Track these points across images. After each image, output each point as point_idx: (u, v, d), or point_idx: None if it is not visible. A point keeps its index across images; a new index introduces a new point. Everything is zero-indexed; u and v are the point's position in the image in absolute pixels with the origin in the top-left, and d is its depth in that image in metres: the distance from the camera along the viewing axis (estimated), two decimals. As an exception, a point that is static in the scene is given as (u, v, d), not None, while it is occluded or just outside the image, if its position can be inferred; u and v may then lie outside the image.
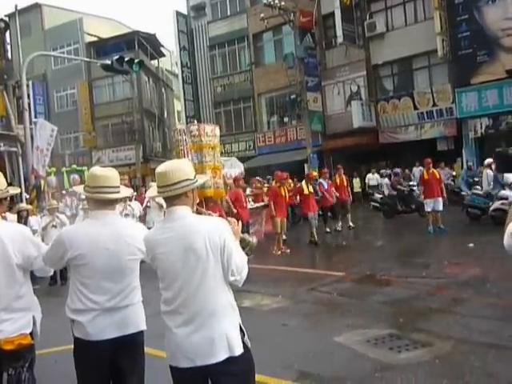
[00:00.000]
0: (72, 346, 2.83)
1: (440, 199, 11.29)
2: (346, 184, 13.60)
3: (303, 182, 12.06)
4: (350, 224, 13.48)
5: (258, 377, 3.67)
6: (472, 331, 4.84)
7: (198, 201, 2.63)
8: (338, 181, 13.40)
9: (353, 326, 5.26)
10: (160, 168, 2.48)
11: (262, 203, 12.93)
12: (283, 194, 11.12)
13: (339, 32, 20.57)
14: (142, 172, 27.78)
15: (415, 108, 20.17)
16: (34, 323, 2.97)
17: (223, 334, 2.31)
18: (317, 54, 22.81)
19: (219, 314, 2.32)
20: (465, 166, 17.40)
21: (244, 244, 2.59)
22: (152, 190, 2.64)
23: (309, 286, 7.34)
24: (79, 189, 3.04)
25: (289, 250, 10.71)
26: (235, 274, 2.35)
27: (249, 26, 25.56)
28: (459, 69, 18.69)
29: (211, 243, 2.30)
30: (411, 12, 20.63)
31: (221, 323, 2.32)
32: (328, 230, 12.96)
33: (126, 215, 10.22)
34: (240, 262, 2.37)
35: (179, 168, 2.45)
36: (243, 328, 2.42)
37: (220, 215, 5.15)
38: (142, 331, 2.85)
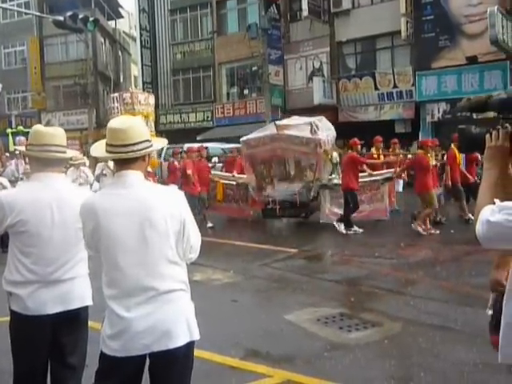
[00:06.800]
0: (7, 319, 2.60)
1: (400, 181, 11.33)
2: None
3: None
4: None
5: (204, 353, 3.60)
6: (420, 312, 4.90)
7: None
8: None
9: (304, 303, 5.21)
10: (117, 123, 2.12)
11: (383, 175, 10.17)
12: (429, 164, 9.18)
13: (304, 5, 20.22)
14: (94, 137, 26.59)
15: (376, 88, 20.24)
16: None
17: (183, 316, 2.10)
18: (281, 26, 22.42)
19: (177, 294, 2.10)
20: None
21: None
22: (98, 150, 2.23)
23: (261, 261, 7.25)
24: (22, 148, 2.77)
25: (438, 232, 8.96)
26: (192, 251, 2.18)
27: (213, -8, 24.82)
28: (421, 52, 18.82)
29: (172, 218, 2.07)
30: (378, -10, 20.53)
31: (179, 304, 2.11)
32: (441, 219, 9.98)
33: (81, 184, 9.65)
34: (197, 238, 2.20)
35: (140, 126, 2.15)
36: None
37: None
38: (86, 306, 2.64)
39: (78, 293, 2.57)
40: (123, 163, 2.11)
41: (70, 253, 2.53)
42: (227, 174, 11.94)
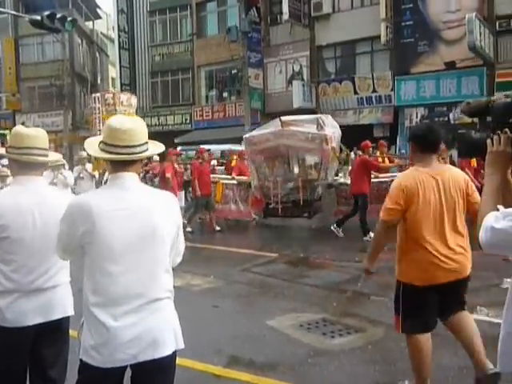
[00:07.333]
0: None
1: None
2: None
3: None
4: None
5: (186, 361, 3.47)
6: (403, 317, 4.84)
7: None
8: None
9: (286, 309, 5.15)
10: (120, 123, 2.01)
11: (390, 178, 9.73)
12: None
13: (285, 8, 20.23)
14: (70, 140, 26.24)
15: (355, 93, 20.37)
16: None
17: (170, 324, 2.04)
18: (261, 29, 22.43)
19: (164, 302, 2.03)
20: (397, 154, 17.91)
21: None
22: (91, 148, 2.10)
23: (242, 266, 7.17)
24: (1, 150, 2.63)
25: None
26: (179, 254, 2.19)
27: (192, -6, 24.69)
28: (400, 57, 19.03)
29: (169, 223, 2.05)
30: (358, -5, 20.69)
31: (166, 312, 2.04)
32: None
33: (54, 184, 9.40)
34: (183, 243, 2.21)
35: (143, 127, 2.07)
36: None
37: None
38: (68, 316, 2.51)
39: (60, 302, 2.45)
40: (121, 164, 2.02)
41: (52, 259, 2.38)
42: (227, 176, 11.81)
